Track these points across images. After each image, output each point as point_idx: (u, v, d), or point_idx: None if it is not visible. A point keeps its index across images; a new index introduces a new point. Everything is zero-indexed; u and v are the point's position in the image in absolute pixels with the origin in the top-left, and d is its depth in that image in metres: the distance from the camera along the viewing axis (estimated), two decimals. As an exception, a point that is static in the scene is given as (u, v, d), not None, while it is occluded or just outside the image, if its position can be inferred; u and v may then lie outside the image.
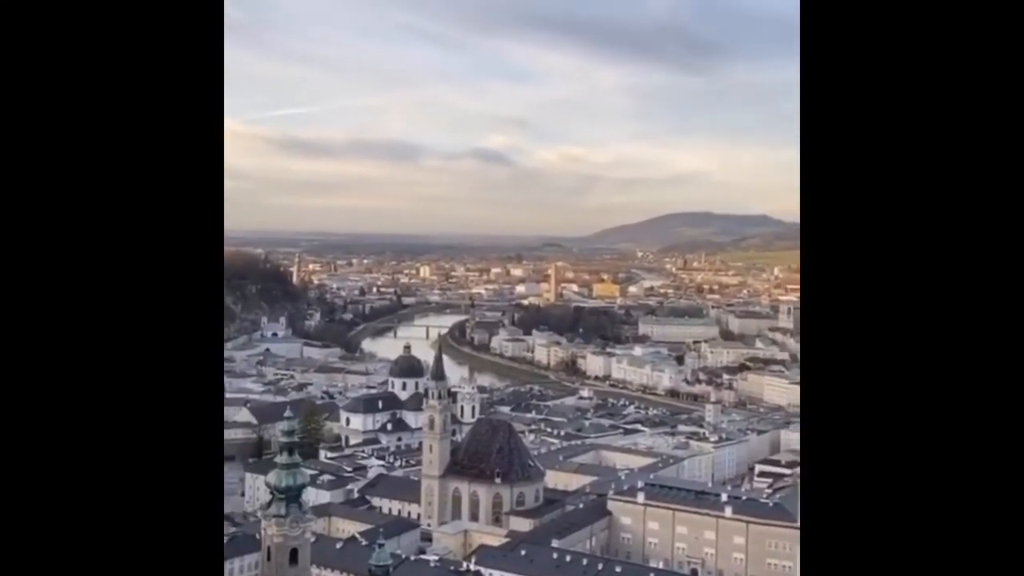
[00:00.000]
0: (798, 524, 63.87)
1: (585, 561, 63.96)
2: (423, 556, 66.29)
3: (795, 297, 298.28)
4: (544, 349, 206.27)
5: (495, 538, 70.01)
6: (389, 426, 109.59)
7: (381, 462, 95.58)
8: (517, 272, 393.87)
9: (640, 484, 77.22)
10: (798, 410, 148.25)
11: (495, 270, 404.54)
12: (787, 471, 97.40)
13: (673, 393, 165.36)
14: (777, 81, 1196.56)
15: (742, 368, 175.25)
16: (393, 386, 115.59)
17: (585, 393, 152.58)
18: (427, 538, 74.60)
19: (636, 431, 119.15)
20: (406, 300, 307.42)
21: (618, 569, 62.79)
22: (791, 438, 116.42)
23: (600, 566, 63.27)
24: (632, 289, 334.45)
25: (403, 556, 62.89)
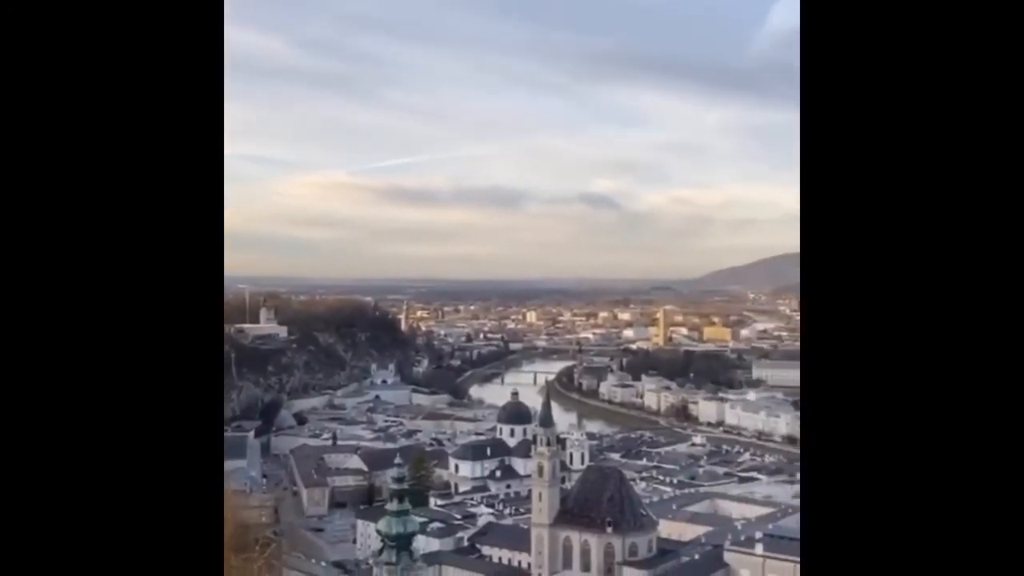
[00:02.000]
0: None
1: (702, 616, 61.54)
2: (534, 607, 64.99)
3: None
4: (654, 395, 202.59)
5: (607, 590, 68.06)
6: (498, 473, 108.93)
7: (490, 510, 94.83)
8: (625, 316, 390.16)
9: (758, 535, 74.05)
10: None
11: (602, 314, 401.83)
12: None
13: (791, 439, 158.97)
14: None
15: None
16: (501, 433, 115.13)
17: (698, 440, 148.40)
18: (538, 588, 73.16)
19: (752, 479, 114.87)
20: (513, 346, 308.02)
21: (738, 625, 60.18)
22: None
23: (718, 621, 60.73)
24: (744, 332, 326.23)
25: (514, 607, 61.87)
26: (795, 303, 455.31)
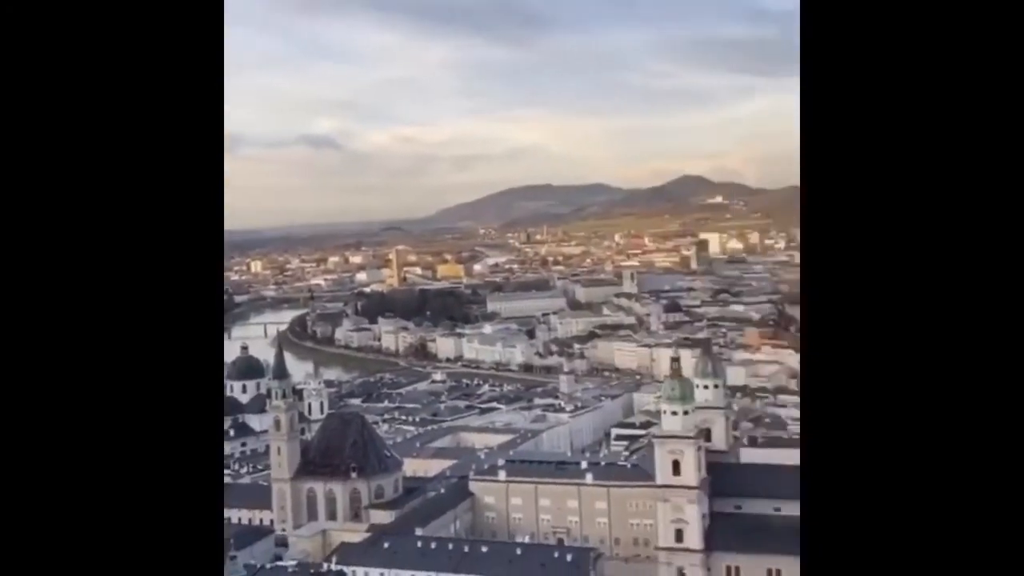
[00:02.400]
0: (656, 483, 64.94)
1: (451, 546, 62.57)
2: (280, 563, 63.13)
3: (637, 262, 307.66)
4: (391, 336, 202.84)
5: (356, 534, 67.31)
6: (231, 432, 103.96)
7: (226, 471, 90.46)
8: (356, 260, 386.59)
9: (500, 462, 76.24)
10: (648, 372, 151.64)
11: (333, 259, 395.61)
12: (642, 432, 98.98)
13: (527, 367, 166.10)
14: (603, 49, 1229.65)
15: (592, 336, 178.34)
16: (232, 389, 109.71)
17: (438, 377, 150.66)
18: (283, 543, 71.02)
19: (492, 409, 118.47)
20: (238, 298, 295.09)
21: (484, 549, 61.75)
22: (643, 400, 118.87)
23: (466, 548, 62.01)
24: (477, 267, 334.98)
25: (258, 565, 59.87)
26: (523, 236, 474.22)
